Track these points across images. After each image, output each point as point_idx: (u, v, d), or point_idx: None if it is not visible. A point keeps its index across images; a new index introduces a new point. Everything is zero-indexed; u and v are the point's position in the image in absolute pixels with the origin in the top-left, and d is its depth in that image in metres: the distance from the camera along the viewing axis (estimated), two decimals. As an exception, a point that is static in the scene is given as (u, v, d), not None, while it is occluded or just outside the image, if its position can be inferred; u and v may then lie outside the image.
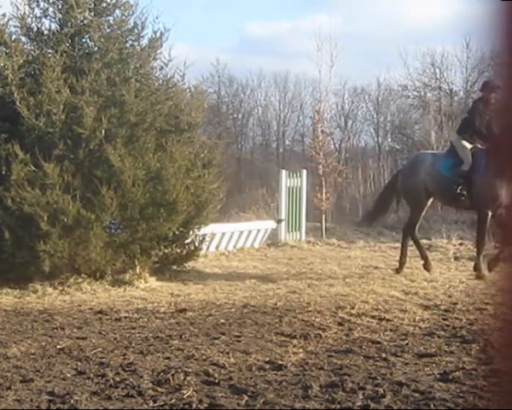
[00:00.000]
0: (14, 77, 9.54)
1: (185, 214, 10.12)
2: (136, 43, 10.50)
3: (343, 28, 44.45)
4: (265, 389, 5.00)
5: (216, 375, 5.36)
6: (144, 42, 10.48)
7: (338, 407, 4.73)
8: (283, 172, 15.79)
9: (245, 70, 45.82)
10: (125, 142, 9.67)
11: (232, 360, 5.81)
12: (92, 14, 10.26)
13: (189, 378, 5.25)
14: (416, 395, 4.92)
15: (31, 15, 10.17)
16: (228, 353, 6.04)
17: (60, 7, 10.19)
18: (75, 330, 7.06)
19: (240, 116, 40.82)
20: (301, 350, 6.15)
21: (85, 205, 9.31)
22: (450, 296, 8.86)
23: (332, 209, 19.72)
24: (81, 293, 9.21)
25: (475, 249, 10.41)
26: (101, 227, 9.49)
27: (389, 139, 37.75)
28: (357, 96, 38.17)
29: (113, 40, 10.13)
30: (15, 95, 9.37)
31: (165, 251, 10.49)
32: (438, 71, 33.22)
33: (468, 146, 10.05)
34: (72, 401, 4.77)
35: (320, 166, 17.53)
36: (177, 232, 10.40)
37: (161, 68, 10.62)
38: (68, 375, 5.41)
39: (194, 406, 4.71)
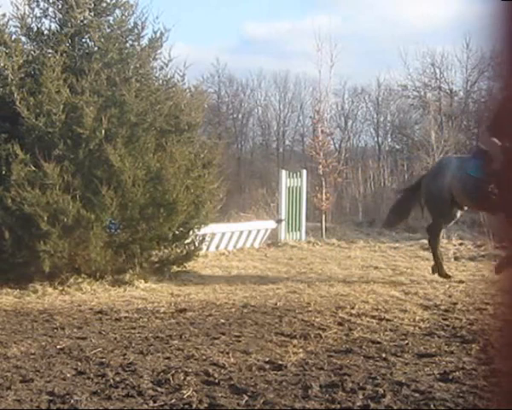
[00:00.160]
0: (14, 77, 9.54)
1: (185, 214, 10.12)
2: (136, 43, 10.51)
3: (343, 28, 44.47)
4: (265, 389, 5.00)
5: (216, 375, 5.36)
6: (144, 42, 10.49)
7: (338, 407, 4.73)
8: (283, 172, 15.80)
9: (245, 70, 45.96)
10: (125, 142, 9.67)
11: (232, 360, 5.81)
12: (92, 14, 10.26)
13: (189, 378, 5.25)
14: (416, 395, 4.92)
15: (31, 15, 10.17)
16: (228, 353, 6.04)
17: (60, 7, 10.20)
18: (75, 330, 7.06)
19: (240, 116, 40.83)
20: (301, 350, 6.15)
21: (85, 205, 9.31)
22: (450, 296, 8.86)
23: (332, 209, 19.72)
24: (81, 293, 9.22)
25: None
26: (101, 227, 9.50)
27: (389, 139, 37.79)
28: (357, 96, 38.22)
29: (113, 40, 10.13)
30: (15, 95, 9.37)
31: (165, 251, 10.49)
32: (438, 71, 33.25)
33: (498, 143, 9.79)
34: (72, 401, 4.77)
35: (320, 166, 17.54)
36: (177, 232, 10.40)
37: (161, 68, 10.63)
38: (68, 375, 5.41)
39: (194, 406, 4.70)
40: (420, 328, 7.10)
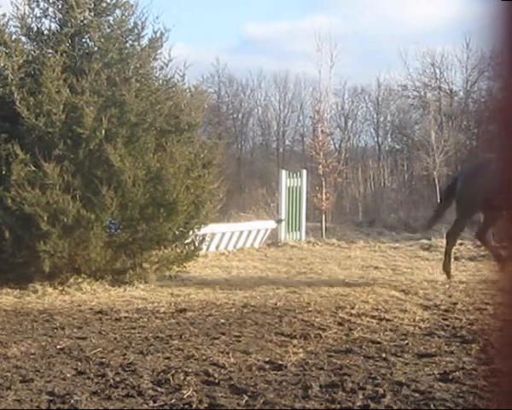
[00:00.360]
0: (14, 77, 9.54)
1: (185, 214, 10.12)
2: (136, 44, 10.51)
3: (343, 28, 44.48)
4: (265, 389, 5.00)
5: (216, 375, 5.36)
6: (144, 42, 10.49)
7: (338, 407, 4.73)
8: (283, 172, 15.80)
9: (245, 70, 45.94)
10: (125, 142, 9.67)
11: (232, 360, 5.81)
12: (92, 14, 10.26)
13: (189, 378, 5.25)
14: (416, 395, 4.92)
15: (31, 15, 10.17)
16: (228, 353, 6.04)
17: (60, 7, 10.20)
18: (75, 330, 7.06)
19: (240, 116, 40.83)
20: (301, 350, 6.15)
21: (85, 205, 9.32)
22: (450, 296, 8.86)
23: (332, 209, 19.73)
24: (81, 293, 9.22)
25: None
26: (101, 227, 9.50)
27: (389, 139, 37.80)
28: (357, 96, 38.22)
29: (113, 40, 10.13)
30: (15, 95, 9.37)
31: (165, 251, 10.49)
32: (438, 71, 33.26)
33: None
34: (72, 401, 4.77)
35: (320, 166, 17.55)
36: (177, 232, 10.40)
37: (161, 68, 10.63)
38: (68, 375, 5.41)
39: (194, 406, 4.71)
40: (420, 328, 7.10)
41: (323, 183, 17.48)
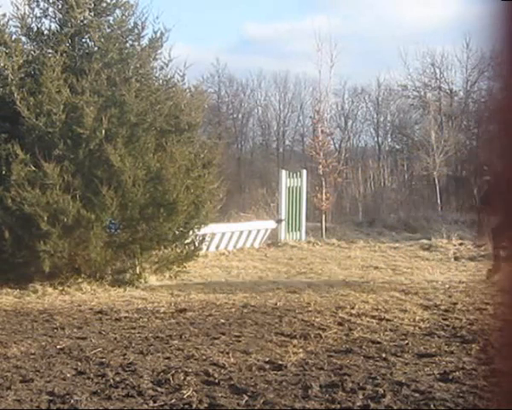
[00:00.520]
0: (14, 77, 9.54)
1: (185, 214, 10.12)
2: (136, 44, 10.51)
3: (343, 28, 44.46)
4: (265, 389, 5.00)
5: (216, 375, 5.36)
6: (144, 42, 10.49)
7: (338, 407, 4.73)
8: (283, 172, 15.80)
9: (245, 70, 45.93)
10: (125, 142, 9.67)
11: (232, 360, 5.81)
12: (92, 14, 10.26)
13: (189, 378, 5.25)
14: (416, 395, 4.92)
15: (31, 15, 10.17)
16: (228, 353, 6.04)
17: (60, 7, 10.20)
18: (75, 330, 7.06)
19: (240, 116, 40.81)
20: (301, 350, 6.15)
21: (85, 205, 9.31)
22: (450, 296, 8.86)
23: (332, 209, 19.72)
24: (81, 293, 9.22)
25: None
26: (101, 227, 9.49)
27: (389, 139, 37.78)
28: (357, 96, 38.19)
29: (113, 40, 10.13)
30: (15, 95, 9.37)
31: (165, 251, 10.49)
32: (438, 71, 33.23)
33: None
34: (72, 401, 4.77)
35: (320, 166, 17.54)
36: (177, 232, 10.40)
37: (161, 68, 10.63)
38: (68, 375, 5.41)
39: (194, 406, 4.71)
40: (420, 328, 7.10)
41: (323, 183, 17.47)
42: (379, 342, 6.47)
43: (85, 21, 10.14)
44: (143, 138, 9.86)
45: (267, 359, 5.85)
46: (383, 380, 5.24)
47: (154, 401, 4.79)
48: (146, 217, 9.82)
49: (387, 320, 7.45)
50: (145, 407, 4.73)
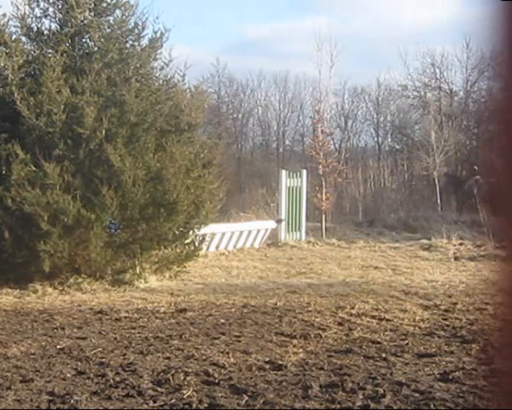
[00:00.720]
0: (14, 77, 9.54)
1: (185, 214, 10.13)
2: (136, 44, 10.51)
3: (343, 28, 44.44)
4: (265, 389, 5.00)
5: (216, 375, 5.36)
6: (144, 42, 10.50)
7: (338, 407, 4.73)
8: (283, 172, 15.81)
9: (245, 70, 45.93)
10: (126, 142, 9.67)
11: (232, 360, 5.81)
12: (92, 14, 10.27)
13: (189, 378, 5.25)
14: (416, 395, 4.92)
15: (31, 15, 10.18)
16: (228, 353, 6.04)
17: (60, 7, 10.20)
18: (75, 330, 7.06)
19: (240, 116, 40.80)
20: (301, 350, 6.15)
21: (85, 205, 9.32)
22: (450, 296, 8.86)
23: (332, 209, 19.72)
24: (81, 293, 9.22)
25: None
26: (101, 227, 9.50)
27: (389, 139, 37.76)
28: (357, 96, 38.17)
29: (114, 40, 10.13)
30: (15, 95, 9.37)
31: (165, 251, 10.49)
32: (438, 71, 33.21)
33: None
34: (72, 401, 4.77)
35: (320, 166, 17.54)
36: (177, 232, 10.40)
37: (162, 68, 10.64)
38: (68, 375, 5.41)
39: (194, 406, 4.71)
40: (420, 328, 7.10)
41: (323, 183, 17.47)
42: (379, 342, 6.47)
43: (85, 21, 10.14)
44: (143, 138, 9.86)
45: (267, 359, 5.85)
46: (383, 380, 5.24)
47: (154, 401, 4.79)
48: (146, 217, 9.82)
49: (387, 320, 7.45)
50: (145, 407, 4.73)
